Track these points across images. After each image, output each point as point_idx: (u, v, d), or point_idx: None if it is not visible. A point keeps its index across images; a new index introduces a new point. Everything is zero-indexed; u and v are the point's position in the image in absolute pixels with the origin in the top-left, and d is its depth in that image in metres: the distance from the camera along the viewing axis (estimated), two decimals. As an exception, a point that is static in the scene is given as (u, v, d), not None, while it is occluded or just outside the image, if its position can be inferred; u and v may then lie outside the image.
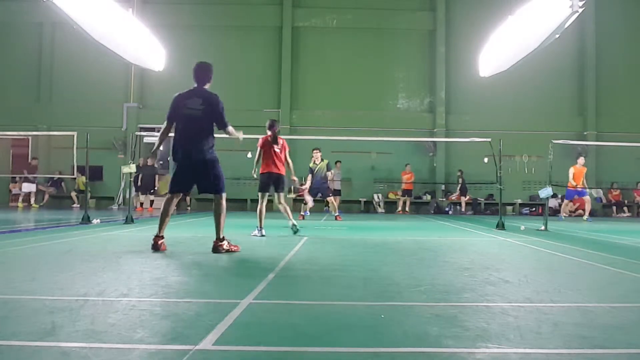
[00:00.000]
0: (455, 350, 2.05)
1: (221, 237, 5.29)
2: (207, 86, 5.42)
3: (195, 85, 5.39)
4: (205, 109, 5.27)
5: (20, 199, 17.51)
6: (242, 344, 2.12)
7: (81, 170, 17.56)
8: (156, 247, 5.17)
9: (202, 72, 5.40)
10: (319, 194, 12.57)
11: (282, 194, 7.78)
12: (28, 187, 17.49)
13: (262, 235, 7.24)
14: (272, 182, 7.57)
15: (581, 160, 14.18)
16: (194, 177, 5.41)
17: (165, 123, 5.48)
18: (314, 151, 12.50)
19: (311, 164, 12.47)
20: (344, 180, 17.87)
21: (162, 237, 5.31)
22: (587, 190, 14.52)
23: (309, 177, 12.44)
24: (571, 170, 13.96)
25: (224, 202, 5.46)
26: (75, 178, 16.41)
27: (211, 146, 5.36)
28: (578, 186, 13.77)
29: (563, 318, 2.66)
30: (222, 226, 5.35)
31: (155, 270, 3.97)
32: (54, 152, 18.90)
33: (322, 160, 12.43)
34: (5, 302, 2.82)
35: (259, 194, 7.60)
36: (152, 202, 16.94)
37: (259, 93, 19.44)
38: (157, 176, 16.84)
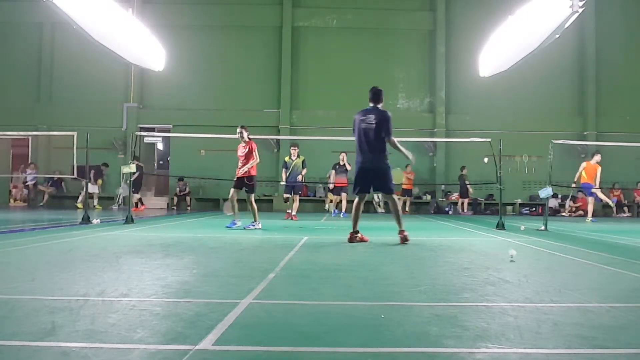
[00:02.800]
0: (455, 350, 2.05)
1: (402, 228, 6.29)
2: (380, 105, 6.54)
3: (371, 105, 6.55)
4: (377, 123, 6.37)
5: (96, 201, 17.34)
6: (242, 344, 2.12)
7: (98, 172, 17.70)
8: (352, 240, 6.30)
9: (375, 95, 6.58)
10: (292, 192, 12.32)
11: (251, 195, 8.79)
12: (92, 188, 17.43)
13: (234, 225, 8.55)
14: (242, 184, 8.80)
15: (597, 157, 13.32)
16: (372, 179, 6.48)
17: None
18: (292, 147, 12.37)
19: (287, 159, 12.39)
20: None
21: (358, 232, 6.42)
22: (597, 191, 13.76)
23: (283, 171, 12.37)
24: (582, 165, 13.34)
25: (395, 199, 6.57)
26: (75, 178, 16.44)
27: (386, 155, 6.51)
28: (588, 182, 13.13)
29: (563, 318, 2.66)
30: (399, 219, 6.39)
31: (155, 270, 3.97)
32: (54, 152, 18.92)
33: (298, 157, 12.28)
34: (5, 302, 2.82)
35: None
36: (140, 200, 16.91)
37: (259, 93, 19.46)
38: (143, 175, 16.76)
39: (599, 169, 13.45)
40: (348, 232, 6.46)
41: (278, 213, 16.01)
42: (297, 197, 12.43)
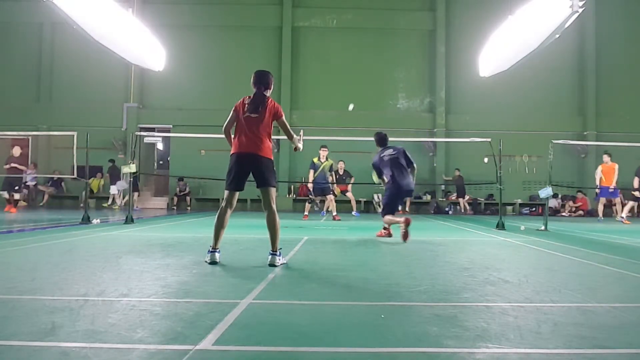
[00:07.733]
0: (455, 350, 2.05)
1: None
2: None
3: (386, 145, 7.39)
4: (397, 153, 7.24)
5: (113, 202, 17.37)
6: (242, 344, 2.12)
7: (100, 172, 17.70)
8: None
9: (383, 138, 7.44)
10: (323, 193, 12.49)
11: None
12: (113, 190, 17.45)
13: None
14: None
15: (606, 157, 13.64)
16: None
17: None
18: (322, 149, 12.27)
19: (315, 160, 12.29)
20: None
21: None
22: (619, 190, 13.95)
23: (311, 172, 12.28)
24: (599, 169, 13.66)
25: None
26: (75, 178, 16.41)
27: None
28: (611, 186, 13.41)
29: (563, 318, 2.66)
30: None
31: (155, 270, 3.97)
32: (54, 152, 18.91)
33: (327, 159, 12.25)
34: (5, 302, 2.82)
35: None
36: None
37: (259, 93, 19.43)
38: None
39: (615, 167, 13.53)
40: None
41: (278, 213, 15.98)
42: (333, 198, 12.53)
